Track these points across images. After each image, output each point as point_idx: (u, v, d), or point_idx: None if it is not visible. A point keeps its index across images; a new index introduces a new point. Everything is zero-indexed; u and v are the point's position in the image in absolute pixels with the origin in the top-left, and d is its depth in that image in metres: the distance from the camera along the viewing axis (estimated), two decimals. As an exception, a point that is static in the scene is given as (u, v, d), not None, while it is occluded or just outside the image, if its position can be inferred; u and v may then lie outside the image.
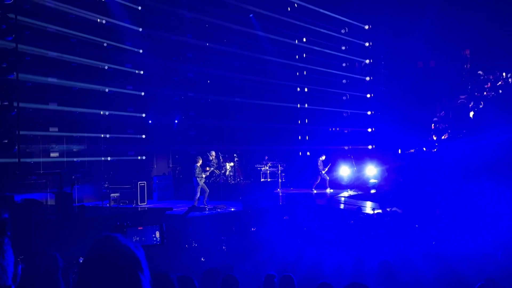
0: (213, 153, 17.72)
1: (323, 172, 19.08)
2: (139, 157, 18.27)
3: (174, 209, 14.80)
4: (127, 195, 16.05)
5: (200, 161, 15.13)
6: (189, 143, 20.39)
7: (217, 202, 15.82)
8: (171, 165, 20.25)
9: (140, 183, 16.21)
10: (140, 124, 18.50)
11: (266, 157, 20.93)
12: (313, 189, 19.14)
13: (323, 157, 19.32)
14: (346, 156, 20.25)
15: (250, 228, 13.06)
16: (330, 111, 22.11)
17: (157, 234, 4.50)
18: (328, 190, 18.93)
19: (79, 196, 14.46)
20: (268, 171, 20.40)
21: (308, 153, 22.55)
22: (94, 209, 14.61)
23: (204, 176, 15.29)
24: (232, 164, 18.82)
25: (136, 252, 1.82)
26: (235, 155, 19.19)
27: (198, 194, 14.98)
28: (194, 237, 11.71)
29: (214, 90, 20.13)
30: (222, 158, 17.74)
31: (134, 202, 15.87)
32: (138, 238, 4.44)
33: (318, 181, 19.17)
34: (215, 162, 17.49)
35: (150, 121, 18.77)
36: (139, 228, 4.74)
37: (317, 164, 19.27)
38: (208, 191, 15.11)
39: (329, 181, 19.25)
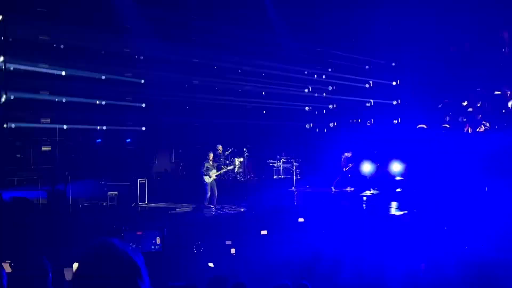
0: (220, 147, 17.76)
1: (345, 169, 19.10)
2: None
3: (177, 210, 14.94)
4: (126, 193, 16.18)
5: (211, 157, 15.20)
6: (195, 135, 20.55)
7: (225, 201, 15.89)
8: (174, 160, 20.37)
9: (140, 180, 16.37)
10: (140, 115, 18.72)
11: (283, 158, 20.96)
12: (332, 187, 19.25)
13: (349, 154, 19.35)
14: (369, 151, 20.21)
15: (260, 230, 13.10)
16: (351, 101, 22.02)
17: (158, 240, 4.52)
18: (349, 189, 18.98)
19: (73, 195, 14.64)
20: (282, 168, 20.50)
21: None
22: (90, 209, 14.75)
23: (215, 174, 15.35)
24: (241, 159, 18.88)
25: (135, 258, 1.82)
26: (245, 149, 19.28)
27: (209, 193, 15.05)
28: (199, 241, 11.77)
29: (222, 75, 20.24)
30: (230, 152, 17.79)
31: (134, 201, 16.03)
32: (135, 245, 4.46)
33: (338, 178, 19.26)
34: (223, 158, 17.56)
35: (150, 111, 18.96)
36: (137, 233, 4.74)
37: (340, 160, 19.33)
38: (217, 193, 15.17)
39: (351, 179, 19.27)
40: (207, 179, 14.99)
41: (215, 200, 15.13)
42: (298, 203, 16.34)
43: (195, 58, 19.26)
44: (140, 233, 4.61)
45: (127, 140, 18.65)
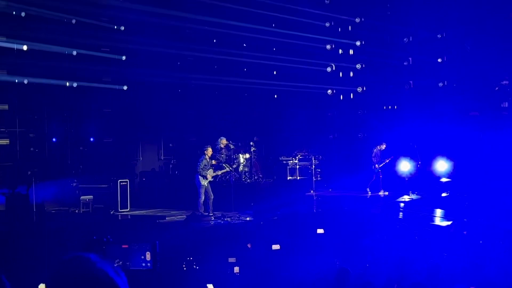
0: (224, 140, 17.72)
1: (378, 166, 19.26)
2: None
3: (167, 219, 15.01)
4: (104, 198, 16.23)
5: (210, 152, 15.26)
6: (189, 126, 20.65)
7: (226, 208, 15.91)
8: (163, 157, 20.50)
9: (121, 182, 16.44)
10: (120, 100, 18.84)
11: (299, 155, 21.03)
12: (368, 190, 19.40)
13: (383, 146, 19.43)
14: (407, 146, 20.20)
15: (271, 245, 13.18)
16: (385, 82, 21.96)
17: (148, 255, 4.55)
18: (382, 193, 19.12)
19: (38, 199, 14.72)
20: (298, 166, 20.56)
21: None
22: (60, 217, 14.83)
23: (212, 175, 15.49)
24: (247, 156, 18.94)
25: (116, 279, 1.83)
26: (252, 143, 19.33)
27: (203, 198, 15.15)
28: (195, 257, 11.86)
29: (223, 49, 20.35)
30: (233, 146, 17.86)
31: (114, 207, 16.12)
32: (121, 261, 4.49)
33: (374, 178, 19.39)
34: (224, 154, 17.65)
35: (133, 96, 19.10)
36: (123, 246, 4.77)
37: (371, 156, 19.43)
38: (213, 197, 15.30)
39: (386, 179, 19.42)
40: (202, 180, 15.04)
41: (210, 206, 15.18)
42: (317, 211, 16.36)
43: (189, 26, 19.25)
44: (126, 246, 4.64)
45: (91, 139, 18.72)
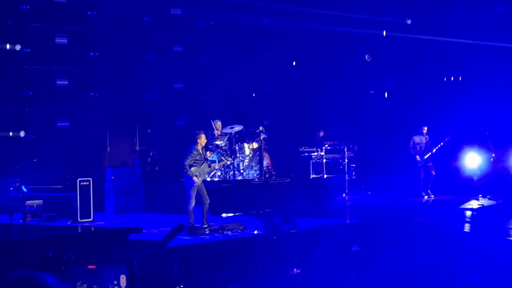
0: (219, 124, 17.85)
1: (420, 159, 19.71)
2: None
3: (145, 231, 14.98)
4: (58, 203, 16.26)
5: (203, 141, 15.21)
6: (174, 106, 20.87)
7: (227, 218, 15.94)
8: (138, 148, 20.56)
9: (81, 182, 16.44)
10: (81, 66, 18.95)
11: (321, 133, 21.15)
12: (430, 193, 19.81)
13: (425, 129, 19.90)
14: (477, 134, 20.16)
15: (289, 268, 13.15)
16: (441, 48, 22.14)
17: (123, 280, 4.52)
18: (426, 196, 19.64)
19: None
20: (325, 160, 20.67)
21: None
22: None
23: (207, 171, 15.50)
24: (254, 145, 19.00)
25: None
26: (261, 128, 19.31)
27: (193, 203, 15.15)
28: (184, 284, 11.83)
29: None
30: (234, 132, 17.95)
31: (72, 216, 16.10)
32: (86, 285, 4.49)
33: (423, 176, 19.79)
34: (222, 142, 17.70)
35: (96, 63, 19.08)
36: (89, 267, 4.80)
37: (414, 143, 19.92)
38: (209, 201, 15.34)
39: (442, 177, 19.70)
40: (195, 180, 15.00)
41: (204, 214, 15.16)
42: (352, 222, 16.35)
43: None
44: (93, 267, 4.62)
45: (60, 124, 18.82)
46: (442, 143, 19.80)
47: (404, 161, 20.86)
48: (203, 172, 15.29)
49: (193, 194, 15.12)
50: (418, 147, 20.01)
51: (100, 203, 17.47)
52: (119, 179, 18.23)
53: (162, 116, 20.92)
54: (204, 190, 15.32)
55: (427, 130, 20.04)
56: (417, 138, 20.04)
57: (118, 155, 20.21)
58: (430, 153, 19.87)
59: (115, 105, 20.01)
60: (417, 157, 19.88)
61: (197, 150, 15.18)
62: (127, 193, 18.12)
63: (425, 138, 20.06)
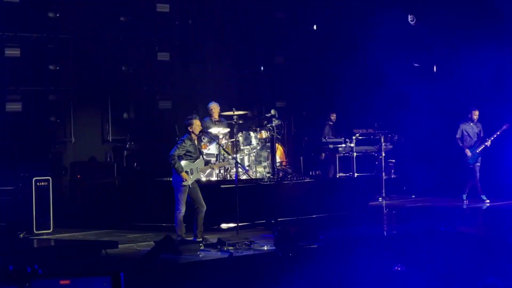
0: (215, 107, 18.07)
1: (470, 154, 19.96)
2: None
3: (120, 247, 14.98)
4: (8, 209, 16.38)
5: (196, 128, 15.11)
6: (159, 83, 20.88)
7: (228, 229, 16.15)
8: (111, 137, 20.60)
9: (38, 182, 16.53)
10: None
11: (333, 117, 21.45)
12: (484, 197, 20.08)
13: (475, 114, 19.90)
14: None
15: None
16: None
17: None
18: (487, 202, 19.74)
19: None
20: (355, 154, 20.88)
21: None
22: None
23: (203, 169, 15.51)
24: (263, 135, 18.99)
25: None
26: (272, 112, 19.27)
27: (183, 209, 15.09)
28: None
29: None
30: (237, 116, 17.87)
31: (25, 227, 16.14)
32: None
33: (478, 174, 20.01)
34: (221, 129, 17.80)
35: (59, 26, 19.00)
36: (61, 282, 5.04)
37: (462, 135, 20.23)
38: (205, 208, 15.24)
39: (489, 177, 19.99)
40: (185, 177, 14.94)
41: (199, 225, 15.11)
42: (391, 234, 16.56)
43: None
44: (67, 282, 4.67)
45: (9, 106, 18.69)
46: (498, 133, 19.67)
47: (458, 156, 20.86)
48: (196, 170, 15.17)
49: (183, 198, 15.09)
50: (468, 139, 19.92)
51: (63, 210, 17.44)
52: (86, 179, 18.14)
53: (142, 96, 20.83)
54: (199, 194, 15.24)
55: (478, 115, 19.93)
56: (466, 127, 19.91)
57: (85, 147, 20.14)
58: (483, 146, 19.76)
59: (80, 81, 19.92)
60: (467, 151, 19.84)
61: (190, 140, 15.09)
62: (97, 196, 18.26)
63: (477, 127, 19.93)
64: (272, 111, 19.41)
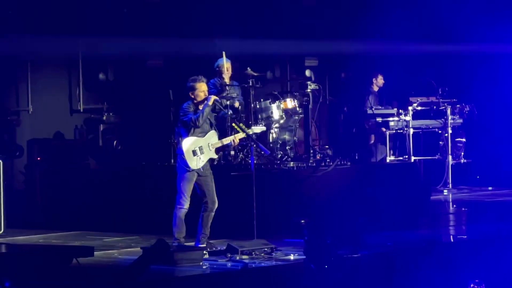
0: (227, 66, 17.99)
1: None
2: None
3: (100, 252, 15.00)
4: None
5: (201, 92, 15.19)
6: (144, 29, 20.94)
7: (240, 233, 16.16)
8: (82, 107, 20.56)
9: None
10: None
11: (380, 80, 21.63)
12: None
13: None
14: None
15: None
16: None
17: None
18: None
19: None
20: (411, 130, 21.01)
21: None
22: None
23: (214, 144, 15.53)
24: (289, 104, 19.05)
25: None
26: (307, 73, 19.16)
27: (185, 204, 15.20)
28: None
29: None
30: (253, 82, 17.93)
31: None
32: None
33: None
34: (233, 95, 17.96)
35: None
36: None
37: None
38: (217, 204, 15.41)
39: None
40: (189, 160, 15.03)
41: (205, 225, 15.25)
42: (460, 237, 16.83)
43: None
44: None
45: None
46: None
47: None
48: (208, 147, 15.27)
49: (187, 188, 15.16)
50: None
51: (17, 204, 17.66)
52: (48, 162, 18.29)
53: (124, 50, 20.66)
54: (212, 185, 15.37)
55: None
56: None
57: (46, 119, 20.29)
58: None
59: (40, 28, 19.95)
60: None
61: (195, 107, 15.19)
62: (64, 186, 18.29)
63: None
64: (307, 72, 19.45)
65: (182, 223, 15.19)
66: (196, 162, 14.99)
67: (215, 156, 15.69)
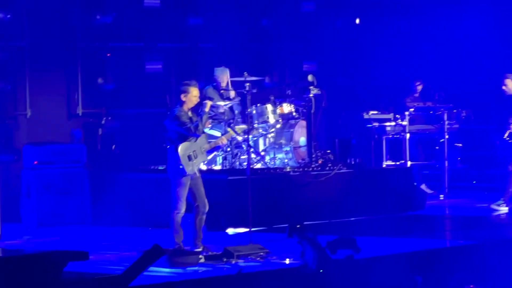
0: (226, 73, 18.06)
1: None
2: None
3: (93, 257, 14.97)
4: None
5: (193, 97, 15.19)
6: (145, 38, 20.99)
7: (236, 235, 16.37)
8: (80, 111, 20.58)
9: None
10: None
11: (419, 86, 21.59)
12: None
13: None
14: None
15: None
16: None
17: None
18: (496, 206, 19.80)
19: None
20: (408, 135, 20.94)
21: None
22: None
23: (206, 147, 15.53)
24: (286, 109, 19.09)
25: None
26: (310, 78, 19.37)
27: (182, 209, 15.21)
28: None
29: None
30: (248, 87, 17.92)
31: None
32: None
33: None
34: (231, 101, 18.06)
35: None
36: None
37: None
38: (207, 207, 15.40)
39: None
40: (186, 165, 15.02)
41: (199, 230, 15.26)
42: (457, 243, 16.69)
43: None
44: None
45: None
46: None
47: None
48: (200, 150, 15.27)
49: (183, 193, 15.18)
50: None
51: (13, 207, 17.67)
52: (46, 166, 18.33)
53: (124, 54, 20.91)
54: (202, 188, 15.37)
55: None
56: None
57: (44, 123, 20.27)
58: None
59: (39, 34, 19.99)
60: None
61: (185, 112, 15.17)
62: (61, 190, 18.29)
63: None
64: (310, 77, 19.43)
65: (179, 227, 15.29)
66: (192, 167, 15.01)
67: (207, 159, 15.77)
